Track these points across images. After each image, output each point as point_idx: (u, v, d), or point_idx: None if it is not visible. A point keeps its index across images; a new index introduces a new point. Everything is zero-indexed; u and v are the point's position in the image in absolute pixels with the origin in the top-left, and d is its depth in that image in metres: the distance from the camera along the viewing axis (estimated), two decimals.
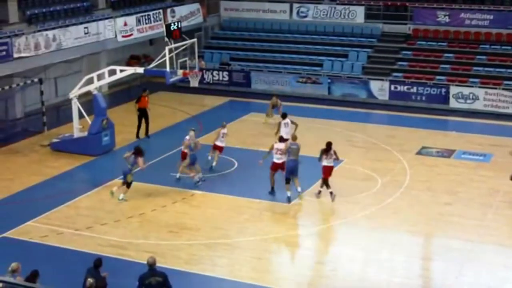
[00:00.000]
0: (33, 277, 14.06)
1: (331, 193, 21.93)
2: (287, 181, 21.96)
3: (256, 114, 31.48)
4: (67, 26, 31.28)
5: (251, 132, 29.20)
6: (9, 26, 30.25)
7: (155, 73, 26.96)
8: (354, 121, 30.91)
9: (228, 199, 22.46)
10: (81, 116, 26.74)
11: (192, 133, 23.33)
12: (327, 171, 22.12)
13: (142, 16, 34.71)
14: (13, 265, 14.31)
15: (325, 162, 22.06)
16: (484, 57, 34.47)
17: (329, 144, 22.17)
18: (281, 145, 22.20)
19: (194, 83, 26.03)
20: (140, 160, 21.86)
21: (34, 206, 21.71)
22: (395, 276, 17.74)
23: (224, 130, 24.70)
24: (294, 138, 22.67)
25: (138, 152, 21.94)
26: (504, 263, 18.48)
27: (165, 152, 25.71)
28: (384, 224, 20.56)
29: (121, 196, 22.09)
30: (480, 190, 23.18)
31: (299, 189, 21.93)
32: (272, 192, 22.42)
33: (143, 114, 28.60)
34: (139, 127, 28.47)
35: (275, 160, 22.15)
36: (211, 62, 37.64)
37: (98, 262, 14.83)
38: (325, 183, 22.15)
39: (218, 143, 24.59)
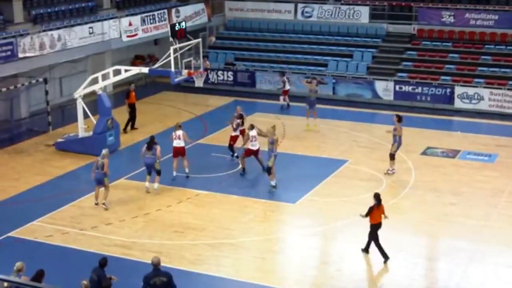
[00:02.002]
0: (39, 276, 14.11)
1: (236, 156, 25.18)
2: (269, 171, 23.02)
3: (261, 114, 31.47)
4: (72, 26, 31.33)
5: None
6: (14, 26, 30.31)
7: (160, 73, 27.05)
8: (359, 121, 30.90)
9: (233, 199, 22.47)
10: (86, 116, 26.79)
11: (105, 152, 21.91)
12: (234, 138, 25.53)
13: (147, 16, 34.74)
14: (18, 264, 14.36)
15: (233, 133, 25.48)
16: (489, 57, 34.41)
17: (241, 115, 25.77)
18: (255, 132, 23.79)
19: (199, 83, 26.11)
20: (158, 148, 22.57)
21: (39, 206, 21.76)
22: (399, 276, 17.74)
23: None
24: (274, 129, 23.61)
25: (153, 141, 22.75)
26: (508, 264, 18.45)
27: (170, 152, 25.68)
28: (389, 224, 20.48)
29: (156, 185, 22.72)
30: (484, 190, 23.15)
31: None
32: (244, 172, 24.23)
33: (133, 109, 29.34)
34: (129, 121, 29.35)
35: (251, 147, 23.80)
36: (216, 62, 37.65)
37: (103, 261, 14.88)
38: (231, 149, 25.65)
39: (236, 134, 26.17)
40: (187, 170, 23.95)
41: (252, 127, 24.08)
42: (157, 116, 31.27)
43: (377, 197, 18.39)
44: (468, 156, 26.29)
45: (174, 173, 24.03)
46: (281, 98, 33.03)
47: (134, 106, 29.49)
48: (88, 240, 19.48)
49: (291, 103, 33.02)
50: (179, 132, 23.96)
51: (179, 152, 23.98)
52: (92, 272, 14.79)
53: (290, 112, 32.10)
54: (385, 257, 18.26)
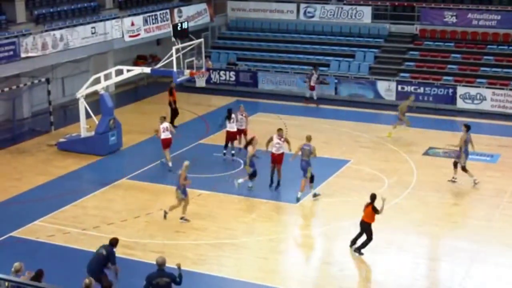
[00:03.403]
0: (38, 276, 14.12)
1: (233, 155, 25.60)
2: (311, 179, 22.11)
3: (263, 114, 31.48)
4: (75, 26, 31.35)
5: (258, 132, 29.08)
6: (17, 26, 30.35)
7: (162, 73, 27.04)
8: (361, 121, 30.87)
9: (235, 199, 22.46)
10: (88, 115, 26.80)
11: (185, 163, 21.06)
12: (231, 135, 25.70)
13: (149, 16, 34.75)
14: (16, 265, 14.38)
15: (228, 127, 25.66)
16: (491, 57, 34.38)
17: (229, 110, 25.94)
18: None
19: (200, 83, 26.11)
20: (250, 148, 22.79)
21: (41, 206, 21.77)
22: (402, 277, 17.73)
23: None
24: (309, 139, 22.36)
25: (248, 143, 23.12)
26: (510, 264, 18.44)
27: (172, 152, 25.66)
28: (391, 224, 20.50)
29: (240, 180, 22.80)
30: (487, 190, 23.13)
31: (299, 194, 22.05)
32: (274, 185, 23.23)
33: (171, 105, 30.08)
34: (174, 116, 30.01)
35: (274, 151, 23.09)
36: (218, 62, 37.66)
37: (114, 240, 15.50)
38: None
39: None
40: (170, 164, 24.37)
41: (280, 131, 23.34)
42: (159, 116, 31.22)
43: (371, 197, 18.58)
44: (470, 157, 26.19)
45: (170, 164, 24.43)
46: (313, 94, 33.33)
47: (175, 102, 30.01)
48: (90, 240, 19.46)
49: (292, 103, 33.07)
50: (166, 124, 24.69)
51: (169, 143, 24.60)
52: (101, 247, 14.96)
53: (292, 112, 32.07)
54: (353, 243, 18.88)
